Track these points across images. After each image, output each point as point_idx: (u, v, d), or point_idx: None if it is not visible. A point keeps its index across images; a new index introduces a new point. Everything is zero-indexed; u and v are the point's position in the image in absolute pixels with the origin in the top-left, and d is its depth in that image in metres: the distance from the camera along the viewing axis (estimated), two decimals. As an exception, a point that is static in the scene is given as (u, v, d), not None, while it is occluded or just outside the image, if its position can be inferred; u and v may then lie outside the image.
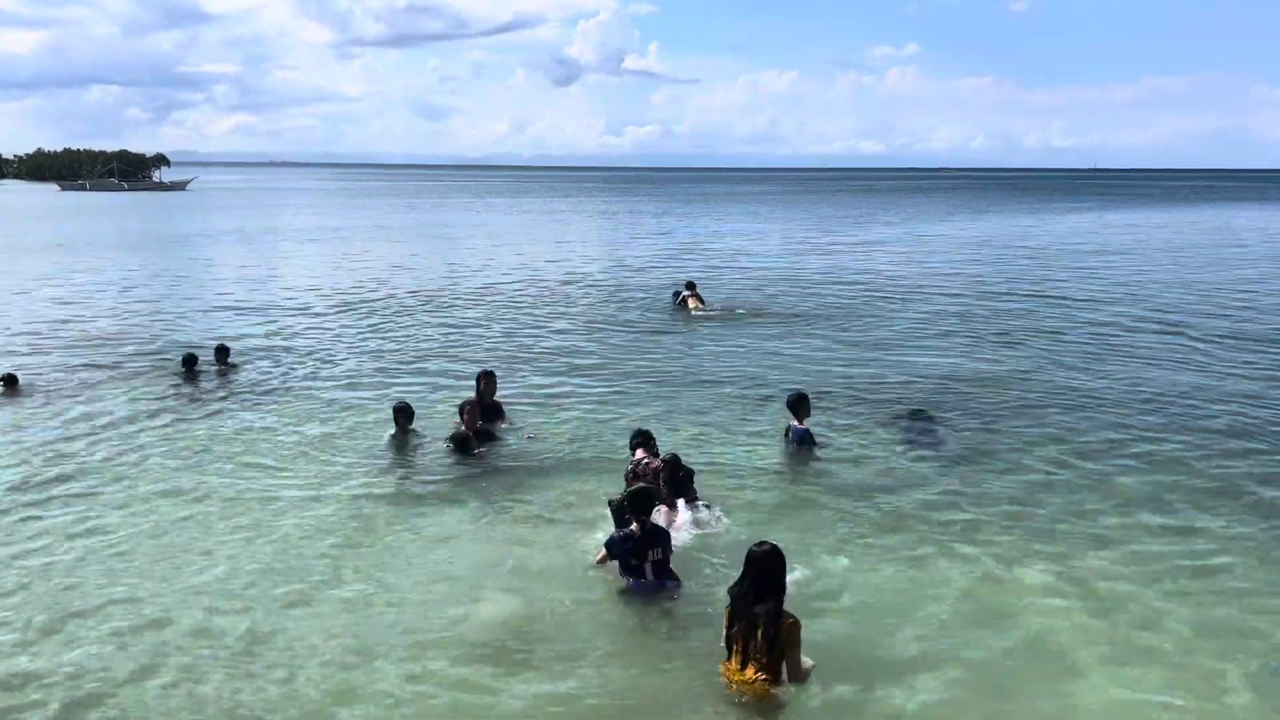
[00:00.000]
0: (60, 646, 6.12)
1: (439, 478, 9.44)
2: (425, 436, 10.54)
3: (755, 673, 5.46)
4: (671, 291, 21.90)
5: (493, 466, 9.74)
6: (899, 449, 10.47)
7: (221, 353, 14.56)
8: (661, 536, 6.97)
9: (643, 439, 8.77)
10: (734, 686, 5.54)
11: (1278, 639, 6.32)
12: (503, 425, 10.90)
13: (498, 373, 11.66)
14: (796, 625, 5.52)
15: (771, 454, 10.23)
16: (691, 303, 20.37)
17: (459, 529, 8.18)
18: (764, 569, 5.58)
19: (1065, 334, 17.82)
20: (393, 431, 10.53)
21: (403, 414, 10.55)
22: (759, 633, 5.46)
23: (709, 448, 10.39)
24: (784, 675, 5.50)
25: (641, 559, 6.85)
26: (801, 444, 10.22)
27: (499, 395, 11.40)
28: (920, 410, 11.67)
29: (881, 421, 11.50)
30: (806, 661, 5.59)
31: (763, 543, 5.79)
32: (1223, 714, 5.53)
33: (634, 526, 6.94)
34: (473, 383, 11.40)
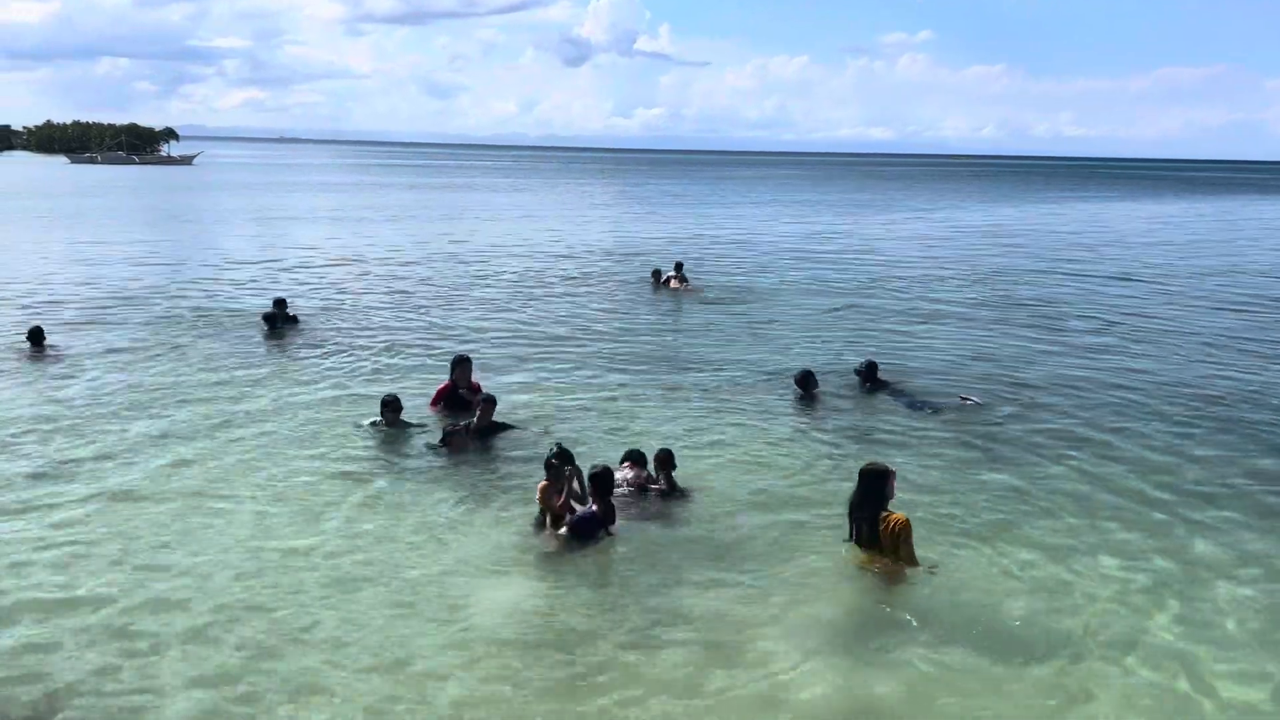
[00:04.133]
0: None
1: (430, 469, 9.35)
2: (412, 426, 10.46)
3: (870, 559, 7.02)
4: (651, 271, 22.86)
5: (481, 457, 9.66)
6: (883, 421, 11.21)
7: (279, 305, 15.94)
8: (612, 512, 7.83)
9: (630, 458, 8.82)
10: (856, 564, 7.08)
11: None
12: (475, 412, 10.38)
13: (492, 357, 11.97)
14: (902, 523, 6.96)
15: (757, 430, 10.76)
16: (674, 283, 21.41)
17: (450, 520, 8.10)
18: (866, 485, 7.06)
19: (1088, 320, 18.58)
20: (375, 419, 10.42)
21: (390, 407, 10.36)
22: (864, 531, 7.05)
23: (698, 424, 10.89)
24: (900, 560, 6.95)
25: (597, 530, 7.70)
26: (800, 398, 11.82)
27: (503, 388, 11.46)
28: (872, 364, 12.50)
29: (845, 390, 12.34)
30: (930, 558, 7.08)
31: (871, 462, 7.31)
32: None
33: (594, 506, 7.69)
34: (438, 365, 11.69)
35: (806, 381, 12.12)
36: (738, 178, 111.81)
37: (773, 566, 7.29)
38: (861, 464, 7.35)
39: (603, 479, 7.76)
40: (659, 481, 8.70)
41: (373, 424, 10.46)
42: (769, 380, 13.03)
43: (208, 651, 6.00)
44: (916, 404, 11.84)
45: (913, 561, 6.92)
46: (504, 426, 10.36)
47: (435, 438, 10.04)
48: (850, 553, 7.20)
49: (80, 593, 6.73)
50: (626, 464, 8.79)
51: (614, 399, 12.08)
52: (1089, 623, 6.54)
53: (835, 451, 10.11)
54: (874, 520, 7.01)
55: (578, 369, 13.69)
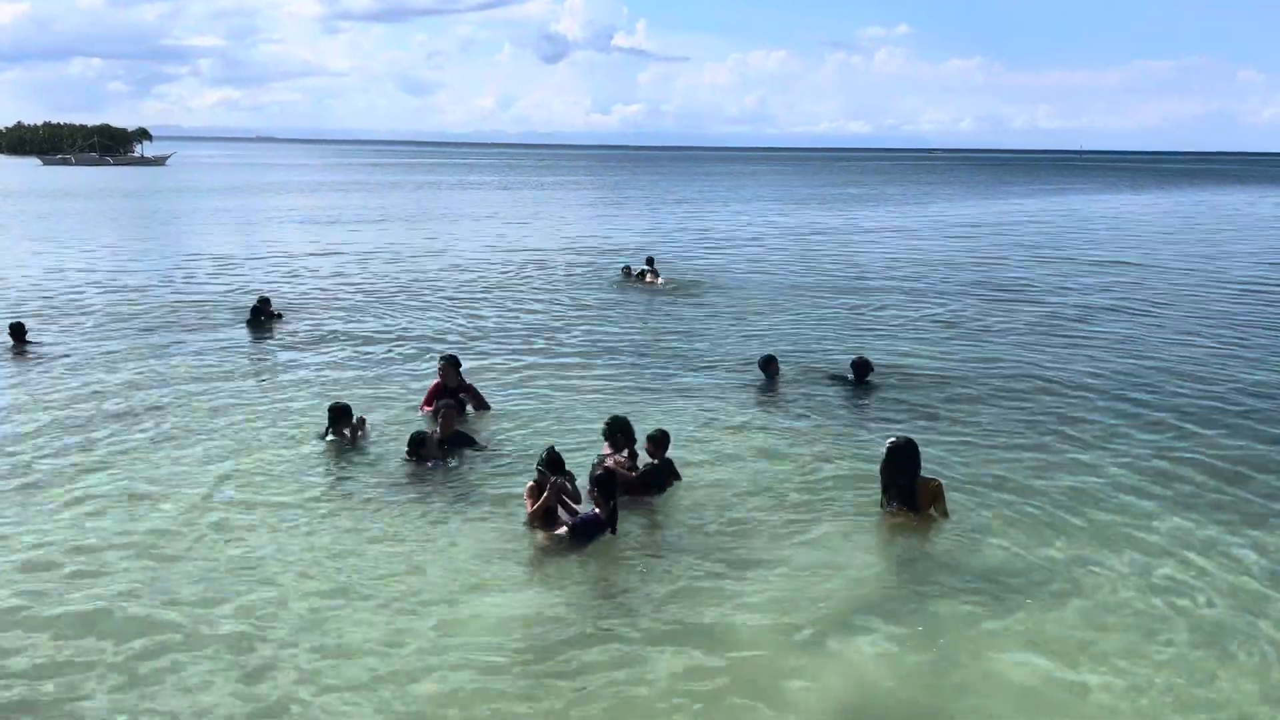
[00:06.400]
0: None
1: (405, 476, 9.02)
2: (371, 433, 10.05)
3: (905, 519, 7.74)
4: (621, 266, 22.83)
5: (455, 463, 9.31)
6: (835, 412, 11.27)
7: (263, 302, 16.20)
8: (616, 514, 7.61)
9: (616, 430, 8.68)
10: (889, 521, 7.80)
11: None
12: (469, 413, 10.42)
13: (471, 355, 11.91)
14: (937, 484, 7.87)
15: (734, 420, 10.82)
16: (648, 278, 21.52)
17: (433, 525, 7.89)
18: (905, 455, 7.77)
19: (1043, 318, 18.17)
20: (325, 432, 9.84)
21: (342, 414, 9.83)
22: (899, 499, 7.78)
23: (674, 416, 10.83)
24: (932, 513, 7.80)
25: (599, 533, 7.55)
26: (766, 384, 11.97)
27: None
28: (863, 361, 12.26)
29: (817, 383, 12.37)
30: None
31: (898, 437, 8.02)
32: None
33: (596, 509, 7.51)
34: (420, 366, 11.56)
35: (768, 366, 12.24)
36: (719, 173, 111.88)
37: (772, 553, 7.33)
38: (890, 441, 7.95)
39: (606, 482, 7.52)
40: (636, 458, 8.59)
41: (322, 437, 9.84)
42: (744, 370, 13.09)
43: (183, 660, 5.86)
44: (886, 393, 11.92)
45: (946, 514, 7.82)
46: (469, 439, 9.84)
47: (399, 446, 9.60)
48: (884, 517, 7.85)
49: (51, 599, 6.60)
50: (608, 444, 8.63)
51: (588, 393, 12.08)
52: (1111, 594, 6.72)
53: (818, 436, 10.21)
54: (912, 487, 7.74)
55: (552, 364, 13.68)
